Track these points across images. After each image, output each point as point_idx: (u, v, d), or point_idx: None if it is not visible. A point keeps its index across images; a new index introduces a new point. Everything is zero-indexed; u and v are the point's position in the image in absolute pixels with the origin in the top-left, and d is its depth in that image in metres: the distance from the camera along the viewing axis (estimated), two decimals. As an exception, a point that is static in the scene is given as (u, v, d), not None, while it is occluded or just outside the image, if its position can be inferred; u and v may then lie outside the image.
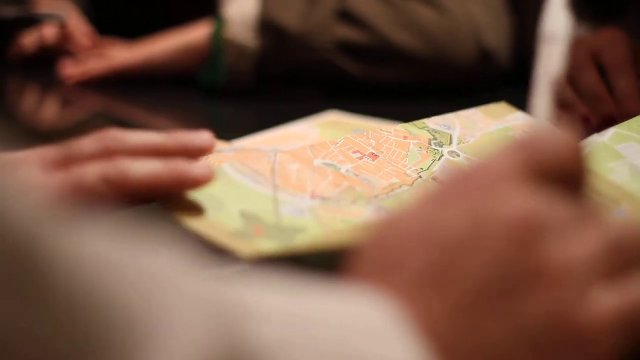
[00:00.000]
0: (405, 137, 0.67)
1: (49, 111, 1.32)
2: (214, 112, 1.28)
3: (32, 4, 1.51)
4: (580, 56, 0.89)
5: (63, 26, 1.46)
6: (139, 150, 0.55)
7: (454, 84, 1.25)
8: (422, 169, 0.64)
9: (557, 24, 0.42)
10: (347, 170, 0.62)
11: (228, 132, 0.85)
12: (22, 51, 1.49)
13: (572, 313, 0.33)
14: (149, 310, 0.27)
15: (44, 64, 1.43)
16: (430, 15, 1.25)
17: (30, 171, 0.53)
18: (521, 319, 0.32)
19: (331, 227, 0.55)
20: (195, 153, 0.57)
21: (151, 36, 1.36)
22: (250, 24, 1.24)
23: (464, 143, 0.68)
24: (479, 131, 0.70)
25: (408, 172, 0.64)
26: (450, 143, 0.68)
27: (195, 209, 0.55)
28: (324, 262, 0.53)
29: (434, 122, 0.69)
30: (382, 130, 0.67)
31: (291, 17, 1.23)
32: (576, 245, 0.34)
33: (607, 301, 0.33)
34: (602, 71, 0.91)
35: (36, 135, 1.13)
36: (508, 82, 1.29)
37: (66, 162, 0.54)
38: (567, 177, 0.36)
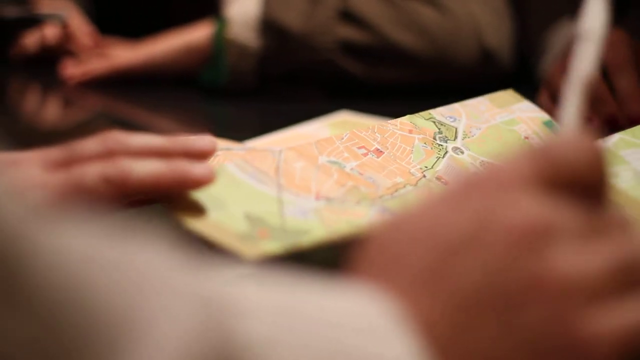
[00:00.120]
0: (410, 131, 0.67)
1: (51, 111, 1.32)
2: (216, 112, 1.28)
3: (33, 3, 1.51)
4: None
5: (64, 26, 1.46)
6: (140, 151, 0.55)
7: (455, 83, 1.25)
8: (426, 167, 0.64)
9: (594, 22, 0.41)
10: (352, 169, 0.62)
11: (230, 132, 0.85)
12: (23, 51, 1.49)
13: (572, 325, 0.32)
14: (135, 305, 0.27)
15: (46, 64, 1.43)
16: (432, 15, 1.25)
17: (31, 171, 0.53)
18: (520, 325, 0.32)
19: (335, 229, 0.55)
20: (197, 156, 0.56)
21: (153, 36, 1.36)
22: (252, 23, 1.24)
23: (468, 137, 0.68)
24: (485, 122, 0.70)
25: (412, 170, 0.64)
26: (455, 138, 0.68)
27: (199, 210, 0.55)
28: (327, 259, 0.53)
29: (440, 113, 0.69)
30: (388, 123, 0.67)
31: (293, 17, 1.23)
32: (585, 258, 0.33)
33: (609, 318, 0.33)
34: (604, 71, 0.90)
35: (37, 135, 1.13)
36: (510, 82, 1.28)
37: (67, 163, 0.54)
38: (585, 187, 0.35)
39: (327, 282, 0.33)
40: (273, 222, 0.55)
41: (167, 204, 0.55)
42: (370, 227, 0.36)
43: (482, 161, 0.66)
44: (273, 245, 0.52)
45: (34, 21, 1.48)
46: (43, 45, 1.47)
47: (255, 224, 0.54)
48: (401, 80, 1.25)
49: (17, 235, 0.25)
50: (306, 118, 0.95)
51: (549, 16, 1.27)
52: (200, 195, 0.55)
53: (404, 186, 0.62)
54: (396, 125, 0.67)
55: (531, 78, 1.24)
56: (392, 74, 1.25)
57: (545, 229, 0.33)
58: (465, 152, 0.67)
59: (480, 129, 0.69)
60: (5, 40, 1.50)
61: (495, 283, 0.33)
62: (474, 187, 0.35)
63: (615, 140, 0.67)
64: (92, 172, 0.52)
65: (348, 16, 1.24)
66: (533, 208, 0.33)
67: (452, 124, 0.69)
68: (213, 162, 0.58)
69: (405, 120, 0.68)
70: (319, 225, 0.55)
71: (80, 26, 1.46)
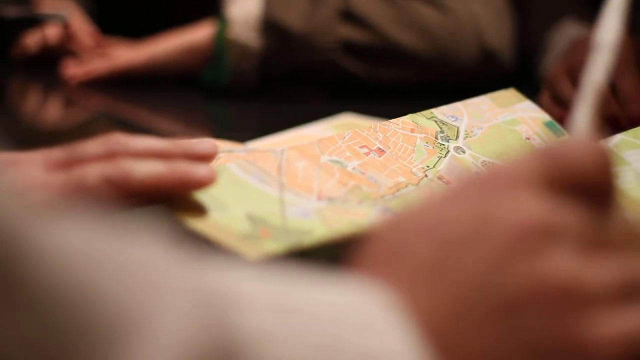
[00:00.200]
0: (412, 130, 0.67)
1: (52, 111, 1.32)
2: (217, 112, 1.28)
3: (34, 3, 1.51)
4: (583, 56, 0.89)
5: (66, 26, 1.46)
6: (142, 153, 0.55)
7: (456, 83, 1.24)
8: (427, 166, 0.64)
9: (610, 33, 0.41)
10: (354, 168, 0.62)
11: (231, 132, 0.85)
12: (24, 51, 1.49)
13: (572, 328, 0.32)
14: (135, 302, 0.27)
15: (47, 64, 1.43)
16: (433, 15, 1.25)
17: (32, 171, 0.53)
18: (520, 324, 0.32)
19: (337, 229, 0.55)
20: (198, 159, 0.56)
21: (154, 36, 1.36)
22: (253, 23, 1.24)
23: (470, 137, 0.68)
24: (486, 122, 0.70)
25: (414, 169, 0.64)
26: (457, 137, 0.67)
27: (200, 211, 0.55)
28: (328, 257, 0.53)
29: (442, 112, 0.69)
30: (390, 122, 0.67)
31: (294, 17, 1.23)
32: (591, 265, 0.33)
33: (610, 323, 0.32)
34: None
35: (39, 135, 1.13)
36: (511, 82, 1.28)
37: (69, 163, 0.54)
38: (592, 191, 0.35)
39: (327, 277, 0.33)
40: (275, 222, 0.55)
41: (168, 204, 0.55)
42: (372, 225, 0.36)
43: (484, 161, 0.66)
44: (274, 245, 0.53)
45: (35, 21, 1.48)
46: (44, 45, 1.47)
47: (256, 224, 0.54)
48: (402, 80, 1.25)
49: (16, 234, 0.25)
50: (307, 118, 0.95)
51: (550, 16, 1.27)
52: (202, 196, 0.55)
53: (406, 186, 0.62)
54: (398, 124, 0.67)
55: (532, 78, 1.24)
56: (393, 74, 1.25)
57: (546, 229, 0.33)
58: (467, 151, 0.67)
59: (481, 128, 0.69)
60: (7, 40, 1.50)
61: (496, 280, 0.32)
62: (477, 185, 0.35)
63: (616, 142, 0.67)
64: (93, 172, 0.52)
65: (349, 16, 1.24)
66: (536, 207, 0.33)
67: (454, 123, 0.69)
68: (215, 164, 0.58)
69: (407, 119, 0.68)
70: (320, 225, 0.55)
71: (82, 26, 1.47)
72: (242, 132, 1.04)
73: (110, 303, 0.27)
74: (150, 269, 0.29)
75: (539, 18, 1.29)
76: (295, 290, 0.32)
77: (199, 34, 1.30)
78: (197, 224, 0.54)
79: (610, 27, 0.42)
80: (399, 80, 1.26)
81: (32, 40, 1.48)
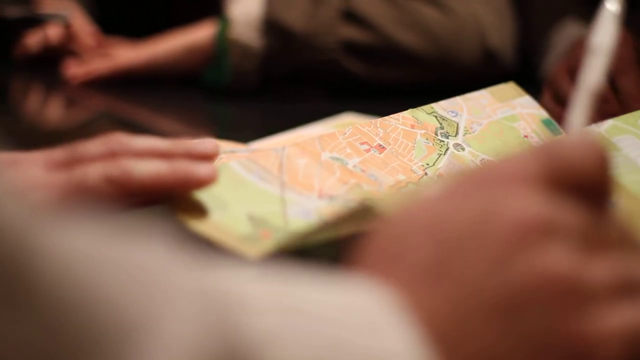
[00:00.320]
0: (412, 126, 0.67)
1: (53, 111, 1.32)
2: (218, 112, 1.28)
3: (36, 3, 1.51)
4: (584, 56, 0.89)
5: (67, 26, 1.46)
6: (143, 153, 0.55)
7: (458, 83, 1.24)
8: (427, 164, 0.64)
9: (604, 37, 0.42)
10: (354, 165, 0.62)
11: (232, 132, 0.85)
12: (26, 51, 1.49)
13: (574, 324, 0.32)
14: (141, 305, 0.27)
15: (48, 64, 1.43)
16: (435, 15, 1.25)
17: (33, 171, 0.53)
18: (521, 321, 0.32)
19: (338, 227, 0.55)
20: (200, 159, 0.56)
21: (155, 36, 1.36)
22: (255, 23, 1.24)
23: (469, 133, 0.68)
24: (486, 118, 0.70)
25: (414, 167, 0.64)
26: (456, 133, 0.67)
27: (201, 211, 0.55)
28: (329, 255, 0.53)
29: (442, 107, 0.69)
30: (391, 117, 0.67)
31: (295, 17, 1.23)
32: (588, 261, 0.33)
33: (612, 318, 0.33)
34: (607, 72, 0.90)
35: (40, 135, 1.13)
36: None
37: (69, 163, 0.54)
38: (590, 189, 0.35)
39: (328, 277, 0.33)
40: (276, 223, 0.55)
41: (169, 204, 0.55)
42: (373, 223, 0.36)
43: (483, 159, 0.66)
44: (275, 246, 0.52)
45: (37, 21, 1.48)
46: (46, 45, 1.47)
47: (258, 225, 0.54)
48: (404, 80, 1.25)
49: (20, 236, 0.25)
50: (309, 118, 0.95)
51: (551, 16, 1.27)
52: (203, 195, 0.55)
53: (406, 185, 0.62)
54: (398, 120, 0.67)
55: (534, 78, 1.24)
56: (394, 74, 1.25)
57: (545, 226, 0.33)
58: (467, 148, 0.67)
59: (481, 124, 0.69)
60: (8, 40, 1.50)
61: (497, 278, 0.33)
62: (476, 183, 0.35)
63: (607, 127, 0.67)
64: (94, 171, 0.52)
65: (351, 16, 1.24)
66: (534, 205, 0.33)
67: (454, 119, 0.69)
68: (217, 164, 0.58)
69: (408, 114, 0.68)
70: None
71: (83, 26, 1.47)
72: (244, 132, 1.04)
73: (116, 307, 0.26)
74: (156, 271, 0.29)
75: (540, 18, 1.29)
76: (296, 291, 0.32)
77: (200, 34, 1.30)
78: (198, 225, 0.54)
79: (605, 30, 0.42)
80: (401, 81, 1.26)
81: (33, 40, 1.48)
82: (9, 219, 0.25)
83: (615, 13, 0.43)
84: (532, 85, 0.98)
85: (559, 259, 0.33)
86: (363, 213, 0.44)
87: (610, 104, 0.89)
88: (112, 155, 0.54)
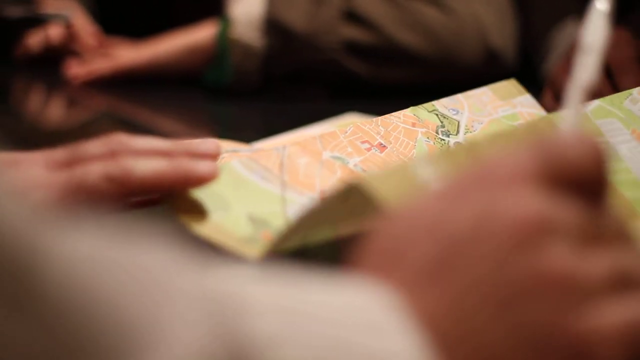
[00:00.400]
0: (413, 124, 0.67)
1: (55, 111, 1.32)
2: (220, 112, 1.28)
3: (37, 3, 1.51)
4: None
5: (68, 26, 1.46)
6: (144, 152, 0.55)
7: (459, 84, 1.24)
8: None
9: (595, 35, 0.42)
10: (355, 165, 0.62)
11: (234, 132, 0.85)
12: (27, 51, 1.49)
13: (574, 321, 0.32)
14: (146, 310, 0.27)
15: (50, 64, 1.43)
16: (436, 15, 1.25)
17: (33, 171, 0.53)
18: (521, 320, 0.32)
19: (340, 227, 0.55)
20: (201, 158, 0.56)
21: (157, 36, 1.36)
22: (256, 23, 1.24)
23: (470, 132, 0.68)
24: (487, 116, 0.70)
25: None
26: (457, 132, 0.67)
27: (202, 212, 0.54)
28: (330, 255, 0.53)
29: (443, 105, 0.69)
30: (392, 115, 0.67)
31: (297, 17, 1.23)
32: (587, 258, 0.33)
33: (611, 314, 0.33)
34: (608, 71, 0.90)
35: (41, 135, 1.13)
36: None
37: (70, 163, 0.54)
38: (587, 186, 0.35)
39: (328, 278, 0.33)
40: (276, 223, 0.55)
41: (170, 204, 0.55)
42: (373, 223, 0.36)
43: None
44: (276, 247, 0.52)
45: (38, 21, 1.48)
46: (47, 45, 1.47)
47: (258, 226, 0.54)
48: (405, 81, 1.25)
49: (23, 238, 0.25)
50: (310, 118, 0.95)
51: (553, 16, 1.26)
52: (204, 195, 0.55)
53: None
54: (399, 118, 0.67)
55: (535, 78, 1.24)
56: (396, 74, 1.25)
57: (546, 225, 0.33)
58: None
59: (482, 123, 0.69)
60: (10, 40, 1.50)
61: (498, 278, 0.33)
62: (475, 181, 0.35)
63: (593, 107, 0.66)
64: (95, 171, 0.52)
65: (352, 16, 1.24)
66: (534, 203, 0.33)
67: (455, 117, 0.68)
68: (219, 163, 0.57)
69: (409, 112, 0.68)
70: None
71: (85, 26, 1.47)
72: (245, 132, 1.04)
73: (119, 309, 0.26)
74: (159, 273, 0.29)
75: (541, 18, 1.29)
76: (297, 292, 0.32)
77: (201, 33, 1.30)
78: (199, 227, 0.53)
79: (595, 28, 0.42)
80: (402, 81, 1.26)
81: (34, 40, 1.48)
82: (11, 221, 0.25)
83: (604, 11, 0.43)
84: (534, 85, 0.98)
85: (559, 258, 0.33)
86: (353, 193, 0.43)
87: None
88: (113, 154, 0.54)
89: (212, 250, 0.54)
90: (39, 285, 0.25)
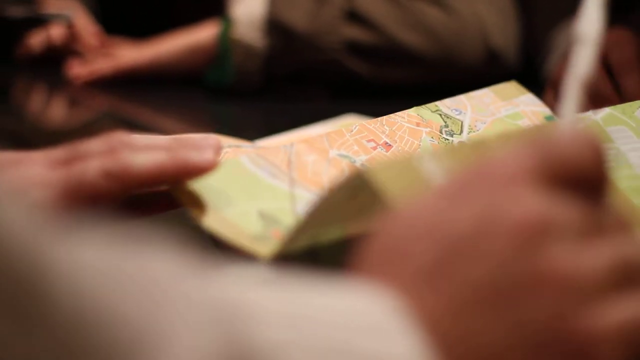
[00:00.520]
0: (417, 124, 0.67)
1: (56, 111, 1.32)
2: (221, 112, 1.28)
3: (39, 3, 1.51)
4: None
5: (70, 26, 1.46)
6: (144, 147, 0.54)
7: (461, 84, 1.24)
8: None
9: (591, 25, 0.42)
10: (362, 164, 0.62)
11: (235, 132, 0.85)
12: (29, 51, 1.49)
13: (574, 321, 0.32)
14: (154, 318, 0.27)
15: (51, 64, 1.43)
16: (438, 15, 1.25)
17: (34, 170, 0.53)
18: (521, 320, 0.32)
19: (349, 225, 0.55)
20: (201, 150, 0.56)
21: (158, 36, 1.36)
22: (258, 23, 1.24)
23: (474, 131, 0.68)
24: (490, 116, 0.70)
25: None
26: (461, 132, 0.67)
27: (212, 207, 0.54)
28: (338, 255, 0.53)
29: (446, 106, 0.69)
30: (396, 115, 0.67)
31: (298, 17, 1.23)
32: (587, 255, 0.33)
33: (611, 314, 0.33)
34: (609, 71, 0.90)
35: (43, 135, 1.13)
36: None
37: (70, 161, 0.54)
38: (587, 183, 0.35)
39: (331, 281, 0.33)
40: (286, 221, 0.55)
41: (180, 199, 0.54)
42: (373, 223, 0.36)
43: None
44: (286, 247, 0.52)
45: (40, 21, 1.48)
46: (49, 45, 1.47)
47: (269, 223, 0.54)
48: (407, 81, 1.25)
49: (30, 250, 0.25)
50: (312, 118, 0.95)
51: (555, 16, 1.26)
52: (213, 190, 0.55)
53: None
54: (404, 118, 0.67)
55: (537, 78, 1.24)
56: (397, 74, 1.25)
57: (547, 224, 0.33)
58: None
59: (485, 122, 0.69)
60: (11, 40, 1.50)
61: (499, 278, 0.33)
62: (475, 180, 0.35)
63: (604, 115, 0.67)
64: (93, 167, 0.52)
65: (354, 16, 1.24)
66: (535, 203, 0.33)
67: (458, 117, 0.69)
68: (223, 158, 0.57)
69: (413, 112, 0.68)
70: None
71: (86, 26, 1.47)
72: (246, 131, 1.04)
73: (126, 318, 0.26)
74: (167, 283, 0.29)
75: (543, 18, 1.29)
76: (300, 296, 0.32)
77: (203, 34, 1.30)
78: (210, 222, 0.53)
79: (590, 19, 0.42)
80: (404, 81, 1.26)
81: (36, 40, 1.48)
82: (19, 232, 0.25)
83: (600, 2, 0.43)
84: (535, 85, 0.98)
85: (559, 258, 0.33)
86: (361, 189, 0.43)
87: (614, 104, 0.88)
88: (112, 151, 0.53)
89: (220, 252, 0.54)
90: (46, 295, 0.25)
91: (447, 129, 0.67)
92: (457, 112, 0.69)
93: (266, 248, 0.52)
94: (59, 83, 1.37)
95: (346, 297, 0.33)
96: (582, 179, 0.35)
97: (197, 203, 0.54)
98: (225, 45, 1.26)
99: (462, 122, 0.68)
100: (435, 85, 1.24)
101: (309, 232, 0.51)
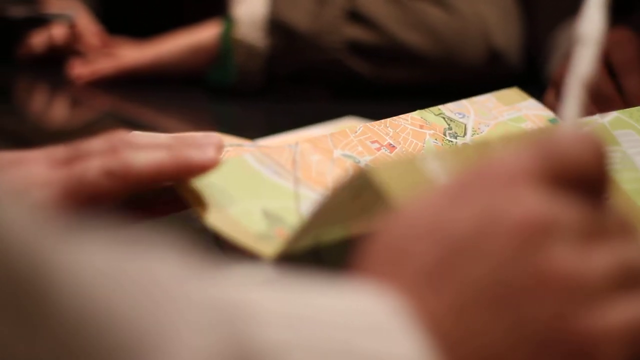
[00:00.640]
0: (421, 126, 0.67)
1: (58, 111, 1.32)
2: (223, 112, 1.28)
3: (41, 3, 1.51)
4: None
5: (72, 26, 1.46)
6: (145, 146, 0.54)
7: (463, 84, 1.24)
8: None
9: (592, 26, 0.42)
10: (366, 164, 0.62)
11: (237, 131, 0.85)
12: (31, 51, 1.49)
13: (574, 321, 0.32)
14: (155, 319, 0.27)
15: (53, 64, 1.43)
16: (440, 15, 1.24)
17: (35, 169, 0.53)
18: (522, 320, 0.32)
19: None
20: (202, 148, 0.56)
21: (160, 36, 1.36)
22: (260, 23, 1.24)
23: (477, 134, 0.68)
24: (493, 119, 0.70)
25: None
26: (465, 134, 0.68)
27: (216, 204, 0.54)
28: (344, 254, 0.53)
29: (449, 109, 0.69)
30: (400, 117, 0.67)
31: (300, 17, 1.23)
32: (588, 256, 0.33)
33: (612, 314, 0.33)
34: (611, 71, 0.90)
35: (45, 135, 1.13)
36: (517, 82, 1.28)
37: (71, 160, 0.54)
38: (588, 184, 0.35)
39: (333, 280, 0.33)
40: (290, 220, 0.55)
41: (184, 197, 0.54)
42: (374, 223, 0.36)
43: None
44: (290, 246, 0.52)
45: (42, 21, 1.49)
46: (50, 45, 1.48)
47: (273, 222, 0.54)
48: (408, 81, 1.25)
49: (33, 252, 0.25)
50: (313, 118, 0.95)
51: (557, 16, 1.26)
52: (217, 188, 0.55)
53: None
54: (407, 120, 0.67)
55: (539, 78, 1.24)
56: (399, 74, 1.25)
57: (548, 225, 0.33)
58: None
59: (488, 125, 0.69)
60: (13, 40, 1.50)
61: (500, 278, 0.33)
62: (476, 180, 0.35)
63: (611, 118, 0.67)
64: (94, 166, 0.51)
65: (355, 16, 1.24)
66: (536, 204, 0.33)
67: (461, 120, 0.69)
68: (225, 157, 0.57)
69: (416, 115, 0.68)
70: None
71: (88, 26, 1.47)
72: (248, 131, 1.04)
73: (129, 320, 0.26)
74: (168, 283, 0.29)
75: (545, 18, 1.29)
76: (302, 297, 0.32)
77: (205, 33, 1.30)
78: (213, 220, 0.53)
79: (592, 19, 0.42)
80: (405, 81, 1.25)
81: (38, 40, 1.48)
82: (20, 233, 0.25)
83: (601, 2, 0.43)
84: (537, 85, 0.98)
85: (561, 258, 0.33)
86: (364, 189, 0.43)
87: (616, 104, 0.88)
88: (113, 150, 0.53)
89: (223, 252, 0.54)
90: (49, 297, 0.25)
91: (450, 132, 0.67)
92: (460, 116, 0.69)
93: (270, 247, 0.52)
94: (60, 83, 1.37)
95: (347, 297, 0.33)
96: (584, 179, 0.35)
97: (201, 201, 0.54)
98: (227, 45, 1.26)
99: (465, 125, 0.69)
100: (437, 85, 1.24)
101: (312, 232, 0.51)
